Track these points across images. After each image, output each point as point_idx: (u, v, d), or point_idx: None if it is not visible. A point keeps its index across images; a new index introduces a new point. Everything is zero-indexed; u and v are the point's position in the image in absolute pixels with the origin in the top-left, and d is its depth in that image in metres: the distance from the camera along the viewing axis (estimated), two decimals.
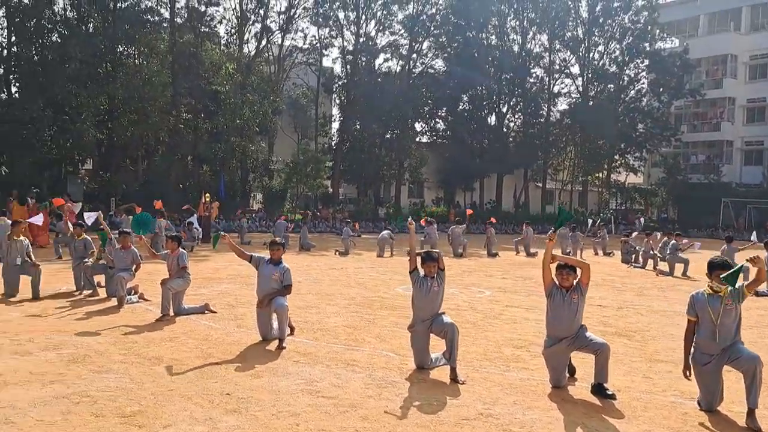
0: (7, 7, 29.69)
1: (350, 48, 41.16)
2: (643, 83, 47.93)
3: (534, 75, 46.35)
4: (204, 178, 36.14)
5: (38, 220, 12.62)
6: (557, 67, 46.71)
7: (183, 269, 8.86)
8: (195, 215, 21.81)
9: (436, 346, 6.64)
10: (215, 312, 9.20)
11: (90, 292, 10.28)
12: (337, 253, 20.11)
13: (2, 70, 30.80)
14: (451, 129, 44.79)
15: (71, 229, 11.11)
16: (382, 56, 43.29)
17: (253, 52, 38.41)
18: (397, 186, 43.63)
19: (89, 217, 11.05)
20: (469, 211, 26.99)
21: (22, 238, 9.97)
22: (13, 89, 31.01)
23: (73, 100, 28.01)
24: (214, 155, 35.47)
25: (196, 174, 35.77)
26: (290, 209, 37.53)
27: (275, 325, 7.57)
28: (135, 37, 31.04)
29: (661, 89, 45.19)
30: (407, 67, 42.81)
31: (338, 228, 32.75)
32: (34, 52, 30.27)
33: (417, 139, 45.00)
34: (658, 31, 44.92)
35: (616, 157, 47.54)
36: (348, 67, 40.95)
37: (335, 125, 45.48)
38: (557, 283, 6.01)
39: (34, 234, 17.03)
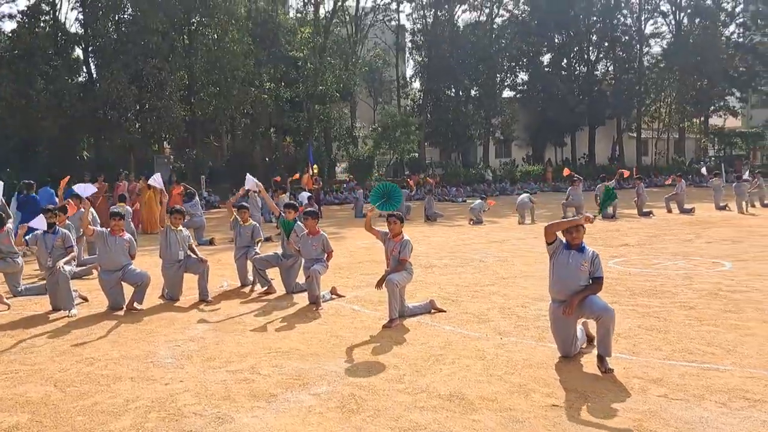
0: None
1: (425, 1, 38.45)
2: (742, 17, 44.18)
3: (623, 16, 43.07)
4: (288, 150, 34.38)
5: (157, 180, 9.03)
6: (648, 6, 43.20)
7: (404, 261, 6.75)
8: (306, 190, 19.87)
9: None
10: (445, 311, 7.06)
11: (265, 288, 8.33)
12: (472, 222, 17.80)
13: (81, 51, 29.32)
14: (539, 80, 41.72)
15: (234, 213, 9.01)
16: (460, 8, 40.43)
17: (329, 14, 36.08)
18: (484, 146, 40.88)
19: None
20: (566, 171, 23.44)
21: (181, 228, 8.02)
22: (93, 69, 29.56)
23: (157, 75, 26.30)
24: (297, 125, 33.67)
25: (281, 146, 34.00)
26: (378, 178, 35.40)
27: (579, 334, 5.42)
28: (210, 5, 28.95)
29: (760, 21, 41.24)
30: (490, 18, 39.87)
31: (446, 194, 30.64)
32: (112, 28, 28.61)
33: (503, 94, 42.11)
34: None
35: (715, 100, 44.25)
36: (426, 20, 38.23)
37: (415, 86, 42.91)
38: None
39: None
